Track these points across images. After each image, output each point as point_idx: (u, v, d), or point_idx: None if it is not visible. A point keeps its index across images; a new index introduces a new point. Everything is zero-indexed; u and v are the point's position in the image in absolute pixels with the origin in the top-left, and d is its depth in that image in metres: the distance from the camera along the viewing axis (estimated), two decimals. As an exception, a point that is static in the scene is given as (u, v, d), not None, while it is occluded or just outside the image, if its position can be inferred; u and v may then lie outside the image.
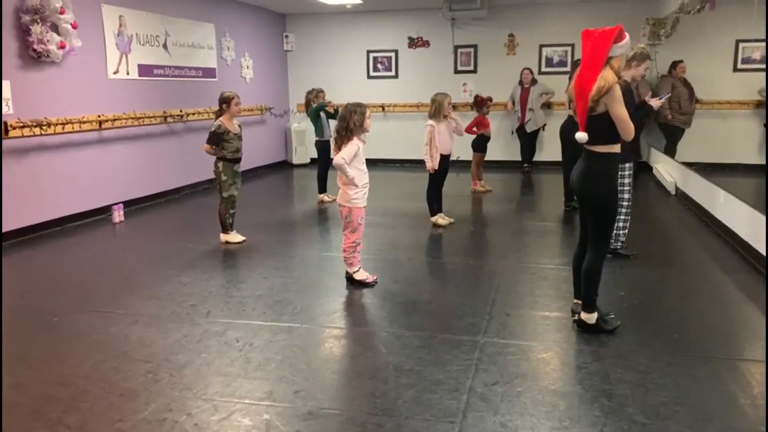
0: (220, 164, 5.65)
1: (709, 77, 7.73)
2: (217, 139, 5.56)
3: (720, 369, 3.21)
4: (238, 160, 5.74)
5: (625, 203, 4.98)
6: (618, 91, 3.33)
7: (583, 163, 3.57)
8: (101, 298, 4.41)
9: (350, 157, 4.37)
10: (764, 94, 6.86)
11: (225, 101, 5.63)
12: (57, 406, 2.92)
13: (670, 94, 4.64)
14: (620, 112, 3.33)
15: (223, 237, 5.83)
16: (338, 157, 4.38)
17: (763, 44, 6.92)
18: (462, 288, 4.62)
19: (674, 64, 8.32)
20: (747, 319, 4.02)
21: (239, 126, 5.78)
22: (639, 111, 4.83)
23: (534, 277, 4.79)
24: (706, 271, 4.99)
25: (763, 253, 4.72)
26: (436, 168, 6.25)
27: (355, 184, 4.43)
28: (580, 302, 3.74)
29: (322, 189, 7.88)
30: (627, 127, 3.35)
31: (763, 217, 4.81)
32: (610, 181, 3.50)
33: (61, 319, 4.00)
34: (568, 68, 9.92)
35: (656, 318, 3.91)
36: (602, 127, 3.37)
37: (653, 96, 5.11)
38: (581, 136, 3.45)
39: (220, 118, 5.62)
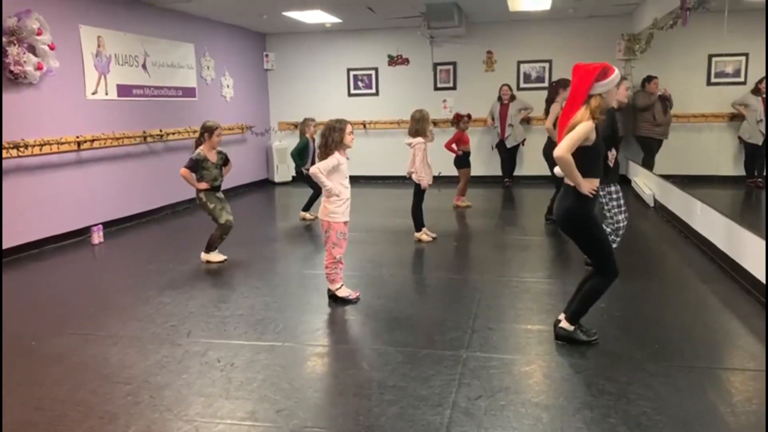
0: (202, 195, 5.64)
1: (683, 91, 7.88)
2: (197, 166, 5.57)
3: (700, 378, 3.24)
4: (217, 188, 5.74)
5: (621, 224, 4.96)
6: (582, 128, 3.33)
7: (562, 196, 3.62)
8: (80, 320, 4.35)
9: (327, 168, 4.39)
10: (737, 107, 7.00)
11: (207, 131, 5.62)
12: (34, 431, 2.87)
13: (615, 154, 4.76)
14: (566, 139, 3.35)
15: (204, 256, 5.79)
16: (314, 167, 4.42)
17: (734, 59, 7.08)
18: (444, 303, 4.62)
19: (648, 79, 8.47)
20: (725, 328, 4.07)
21: (220, 154, 5.73)
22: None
23: (516, 290, 4.81)
24: (685, 281, 5.05)
25: (742, 264, 4.79)
26: (431, 183, 6.31)
27: (335, 194, 4.43)
28: (563, 316, 3.76)
29: (306, 207, 7.87)
30: (557, 152, 3.37)
31: (740, 228, 4.89)
32: (586, 212, 3.51)
33: (39, 343, 3.94)
34: (545, 84, 10.05)
35: (637, 329, 3.94)
36: (577, 161, 3.38)
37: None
38: (558, 171, 3.56)
39: (201, 147, 5.62)
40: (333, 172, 4.42)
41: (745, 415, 2.88)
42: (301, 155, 7.81)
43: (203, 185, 5.62)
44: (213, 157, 5.67)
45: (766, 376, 3.24)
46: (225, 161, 5.80)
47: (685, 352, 3.58)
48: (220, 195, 5.80)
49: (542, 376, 3.34)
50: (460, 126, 8.09)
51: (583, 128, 3.34)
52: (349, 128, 4.46)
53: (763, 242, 4.26)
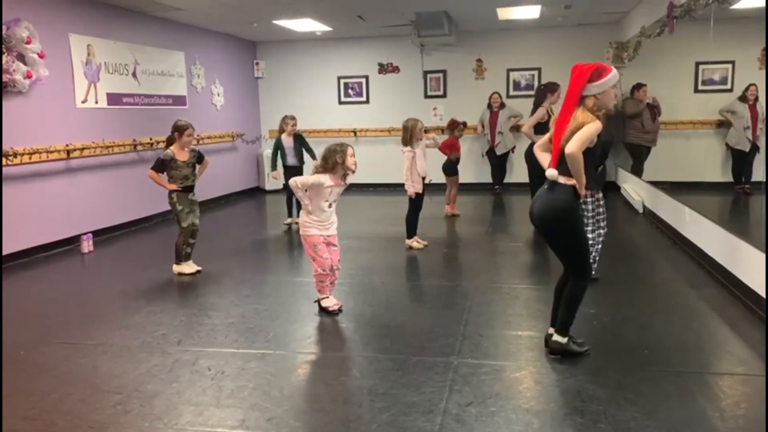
0: (173, 194, 5.54)
1: (671, 98, 7.95)
2: (163, 166, 5.47)
3: (689, 383, 3.26)
4: (189, 189, 5.63)
5: (603, 230, 4.95)
6: (592, 127, 3.27)
7: (546, 194, 3.51)
8: (69, 329, 4.33)
9: (305, 183, 4.38)
10: (725, 114, 7.07)
11: (177, 130, 5.48)
12: (22, 442, 2.85)
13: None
14: (576, 138, 3.28)
15: (176, 268, 5.66)
16: (293, 179, 4.41)
17: (721, 66, 7.15)
18: (435, 310, 4.63)
19: (638, 86, 8.55)
20: (714, 333, 4.10)
21: (193, 152, 5.62)
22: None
23: (506, 297, 4.82)
24: (674, 287, 5.08)
25: (730, 269, 4.83)
26: (420, 192, 6.31)
27: (309, 211, 4.43)
28: (552, 330, 3.73)
29: (291, 213, 7.89)
30: (570, 149, 3.29)
31: (728, 234, 4.93)
32: (574, 211, 3.47)
33: (27, 352, 3.91)
34: (534, 91, 10.11)
35: (626, 334, 3.97)
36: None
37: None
38: (551, 173, 3.42)
39: (171, 147, 5.52)
40: (314, 190, 4.40)
41: (733, 419, 2.90)
42: (274, 156, 7.85)
43: (173, 186, 5.51)
44: (183, 156, 5.52)
45: (766, 381, 3.26)
46: (199, 159, 5.66)
47: (674, 358, 3.61)
48: (194, 197, 5.67)
49: (533, 382, 3.35)
50: (454, 133, 8.12)
51: (592, 127, 3.28)
52: (350, 151, 4.44)
53: (759, 251, 4.27)
